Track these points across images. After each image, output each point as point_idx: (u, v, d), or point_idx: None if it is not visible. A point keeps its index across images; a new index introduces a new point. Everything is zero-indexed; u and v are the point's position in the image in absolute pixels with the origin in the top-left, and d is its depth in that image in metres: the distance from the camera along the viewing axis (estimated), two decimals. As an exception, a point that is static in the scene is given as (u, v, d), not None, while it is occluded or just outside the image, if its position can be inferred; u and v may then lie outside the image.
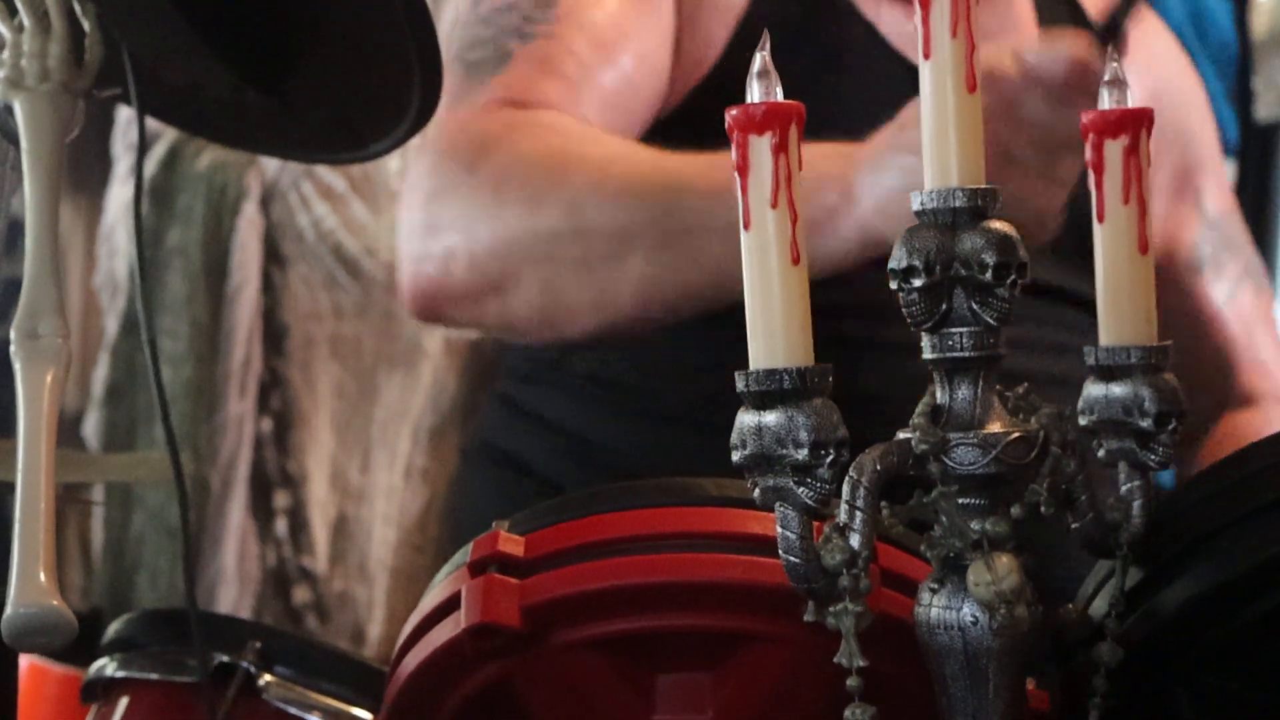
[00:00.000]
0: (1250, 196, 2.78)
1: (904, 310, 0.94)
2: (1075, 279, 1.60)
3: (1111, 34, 1.64)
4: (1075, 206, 1.36)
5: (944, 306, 0.94)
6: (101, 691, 1.40)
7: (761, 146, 0.92)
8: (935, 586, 0.95)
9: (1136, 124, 1.00)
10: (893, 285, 0.94)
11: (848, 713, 0.93)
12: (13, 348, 1.11)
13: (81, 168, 2.49)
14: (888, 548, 1.01)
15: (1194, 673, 1.02)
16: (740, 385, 0.92)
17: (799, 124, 0.92)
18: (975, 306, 0.94)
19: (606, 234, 1.48)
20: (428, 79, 1.19)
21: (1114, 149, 1.00)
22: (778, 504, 0.93)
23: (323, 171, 2.43)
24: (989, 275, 0.93)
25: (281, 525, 2.43)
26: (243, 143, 1.72)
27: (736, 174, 0.92)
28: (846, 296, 1.40)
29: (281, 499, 2.44)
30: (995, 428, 0.94)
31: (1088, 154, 1.00)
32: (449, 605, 1.06)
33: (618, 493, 1.10)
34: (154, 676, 1.37)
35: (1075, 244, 1.32)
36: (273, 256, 2.44)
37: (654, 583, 1.03)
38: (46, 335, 1.11)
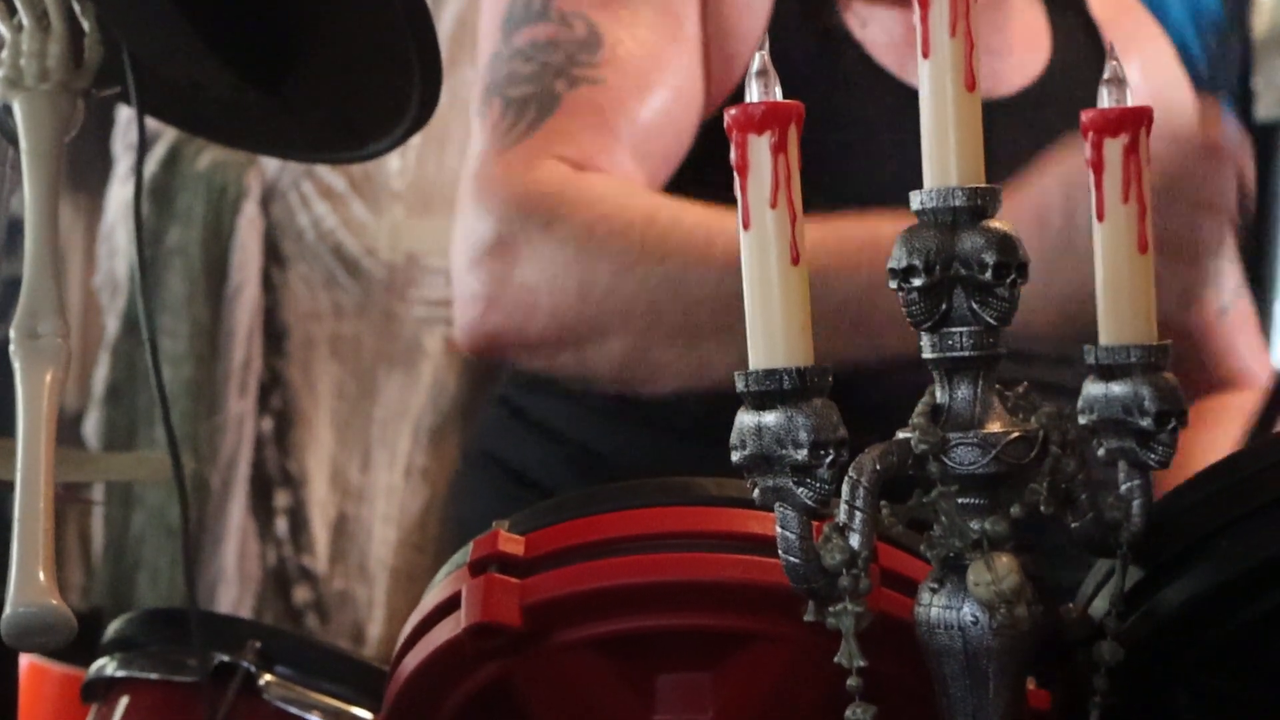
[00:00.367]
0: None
1: (904, 310, 0.94)
2: None
3: None
4: None
5: (944, 306, 0.94)
6: (102, 691, 1.40)
7: (761, 146, 0.92)
8: (935, 586, 0.95)
9: (1136, 122, 1.00)
10: (892, 285, 0.94)
11: (849, 713, 0.93)
12: (12, 347, 1.11)
13: (81, 167, 2.49)
14: (887, 547, 1.01)
15: (1194, 673, 1.02)
16: (740, 385, 0.92)
17: (798, 123, 0.92)
18: (975, 306, 0.93)
19: (713, 305, 1.48)
20: (427, 79, 1.19)
21: (1114, 148, 1.00)
22: (777, 504, 0.93)
23: (323, 171, 2.44)
24: (989, 275, 0.93)
25: (282, 525, 2.43)
26: (243, 143, 1.72)
27: (736, 173, 0.92)
28: None
29: (282, 498, 2.44)
30: (995, 427, 0.94)
31: (1087, 153, 1.00)
32: (449, 605, 1.06)
33: (618, 492, 1.09)
34: (154, 676, 1.37)
35: None
36: (273, 256, 2.45)
37: (654, 582, 1.03)
38: (46, 335, 1.11)
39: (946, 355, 0.94)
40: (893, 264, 0.94)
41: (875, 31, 1.72)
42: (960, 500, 0.95)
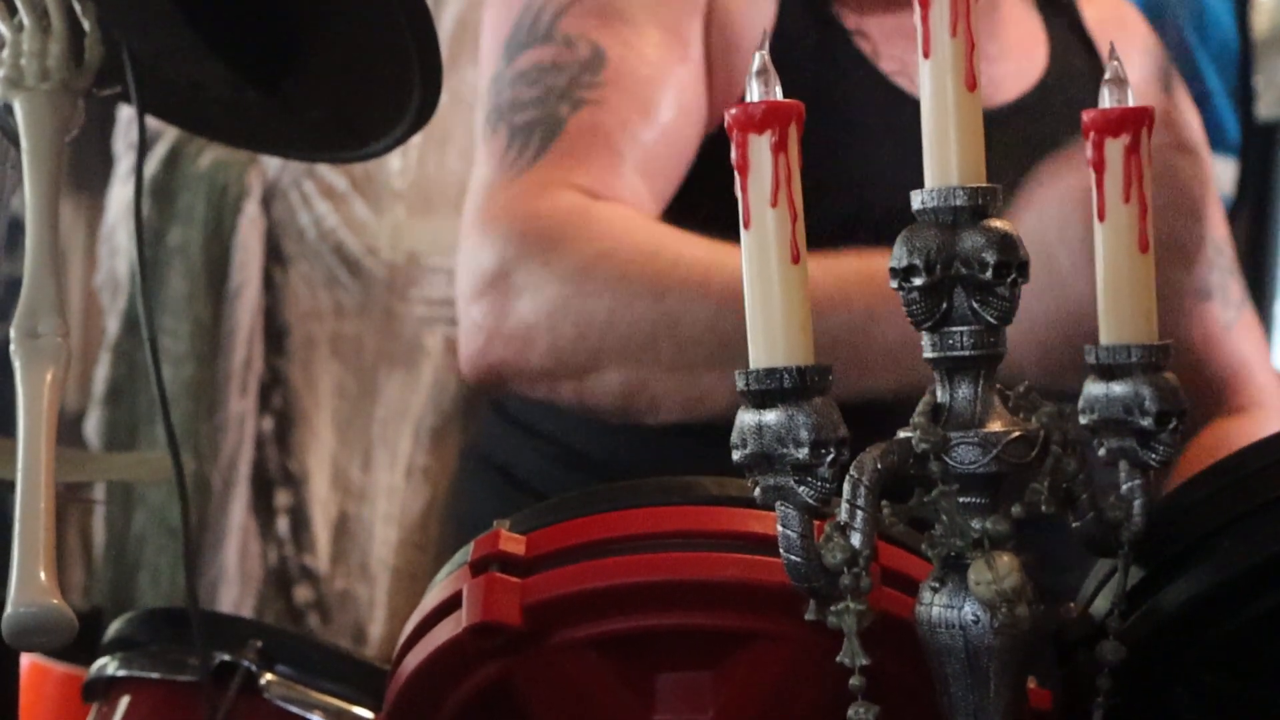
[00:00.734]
0: (1250, 196, 2.78)
1: (905, 309, 0.94)
2: None
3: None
4: None
5: (944, 305, 0.94)
6: (103, 690, 1.40)
7: (761, 145, 0.92)
8: (936, 585, 0.95)
9: (1137, 122, 1.00)
10: (893, 284, 0.94)
11: (851, 712, 0.93)
12: (12, 347, 1.11)
13: (82, 167, 2.49)
14: (889, 546, 1.01)
15: (1194, 672, 1.02)
16: (740, 384, 0.92)
17: (798, 123, 0.92)
18: (976, 305, 0.93)
19: (709, 340, 1.49)
20: (428, 79, 1.19)
21: (1114, 148, 1.00)
22: (778, 503, 0.93)
23: (324, 170, 2.44)
24: (989, 274, 0.93)
25: (283, 524, 2.43)
26: (243, 142, 1.72)
27: (736, 172, 0.92)
28: None
29: (283, 498, 2.44)
30: (996, 427, 0.94)
31: (1088, 153, 1.00)
32: (450, 604, 1.06)
33: (619, 492, 1.10)
34: (155, 675, 1.37)
35: None
36: (274, 255, 2.45)
37: (655, 581, 1.03)
38: (46, 334, 1.11)
39: (947, 354, 0.94)
40: (893, 263, 0.94)
41: (881, 45, 1.72)
42: (961, 499, 0.95)
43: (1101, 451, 1.01)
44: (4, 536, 1.06)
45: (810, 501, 0.92)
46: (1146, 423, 0.99)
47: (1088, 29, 1.86)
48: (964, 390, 0.95)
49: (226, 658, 1.33)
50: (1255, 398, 1.85)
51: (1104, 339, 1.00)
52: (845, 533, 0.93)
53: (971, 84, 0.93)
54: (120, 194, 2.48)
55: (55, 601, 1.03)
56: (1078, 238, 1.40)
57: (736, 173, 0.92)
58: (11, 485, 1.07)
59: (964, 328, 0.94)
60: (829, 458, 0.91)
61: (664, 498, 1.07)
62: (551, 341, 1.55)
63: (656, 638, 1.04)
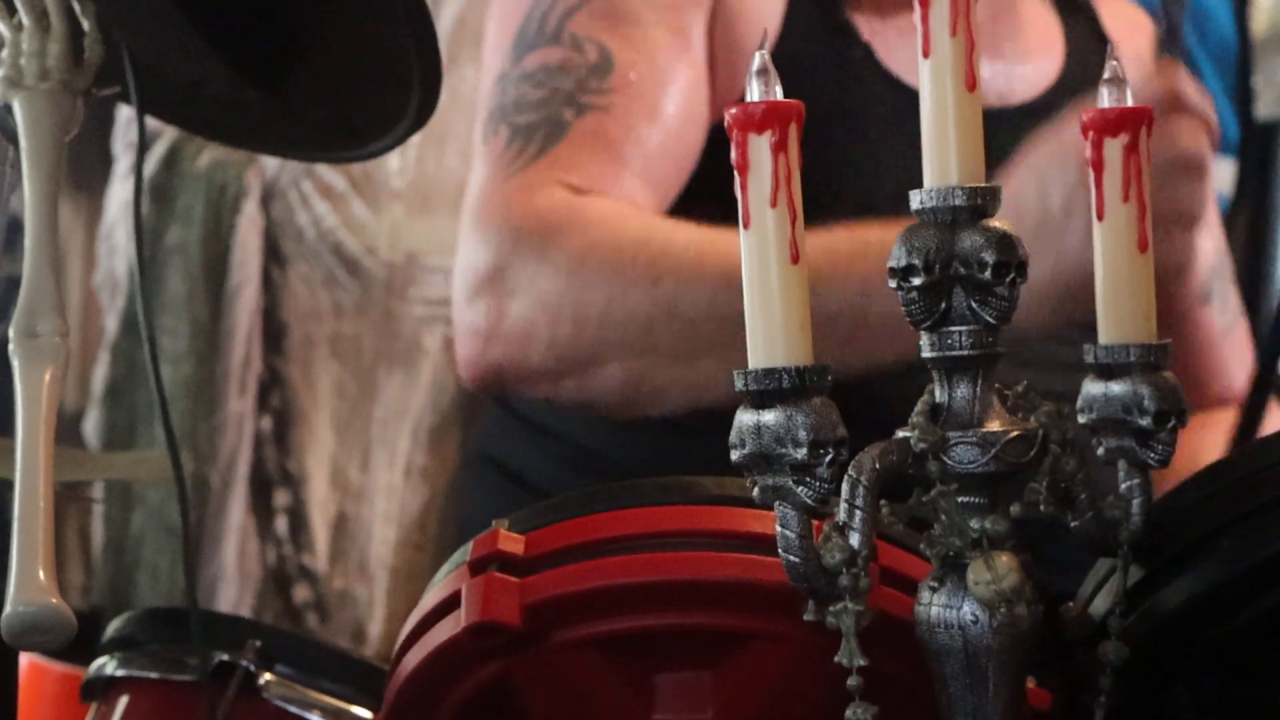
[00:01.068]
0: (1250, 196, 2.78)
1: (903, 309, 0.94)
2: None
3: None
4: None
5: (943, 305, 0.94)
6: (101, 690, 1.40)
7: (761, 145, 0.92)
8: (935, 585, 0.95)
9: (1136, 122, 1.00)
10: (892, 284, 0.94)
11: (849, 712, 0.93)
12: (11, 346, 1.11)
13: (82, 166, 2.49)
14: (887, 546, 1.01)
15: (1194, 672, 1.02)
16: (739, 384, 0.92)
17: (798, 122, 0.92)
18: (974, 305, 0.94)
19: (708, 325, 1.49)
20: (427, 78, 1.19)
21: (1114, 147, 1.00)
22: (777, 503, 0.93)
23: (323, 170, 2.43)
24: (988, 274, 0.93)
25: (282, 524, 2.43)
26: (243, 141, 1.72)
27: (736, 172, 0.92)
28: None
29: (281, 497, 2.44)
30: (994, 426, 0.94)
31: (1087, 152, 1.00)
32: (449, 604, 1.06)
33: (618, 491, 1.10)
34: (154, 675, 1.37)
35: None
36: (273, 255, 2.44)
37: (654, 581, 1.03)
38: (45, 334, 1.11)
39: (946, 354, 0.94)
40: (892, 263, 0.94)
41: (890, 44, 1.72)
42: (960, 499, 0.95)
43: (1100, 451, 1.01)
44: (3, 536, 1.06)
45: (809, 501, 0.92)
46: (1145, 422, 0.99)
47: (1105, 30, 1.86)
48: (963, 390, 0.95)
49: (225, 657, 1.33)
50: (1235, 400, 1.87)
51: (1103, 338, 1.00)
52: (844, 533, 0.93)
53: (971, 84, 0.93)
54: (119, 193, 2.48)
55: (54, 601, 1.03)
56: (1070, 192, 1.41)
57: (736, 172, 0.92)
58: (10, 484, 1.06)
59: (963, 327, 0.94)
60: (828, 458, 0.91)
61: (663, 497, 1.07)
62: (550, 338, 1.54)
63: (656, 637, 1.04)
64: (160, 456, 2.00)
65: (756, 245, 0.92)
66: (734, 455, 0.93)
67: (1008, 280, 0.93)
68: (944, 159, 0.94)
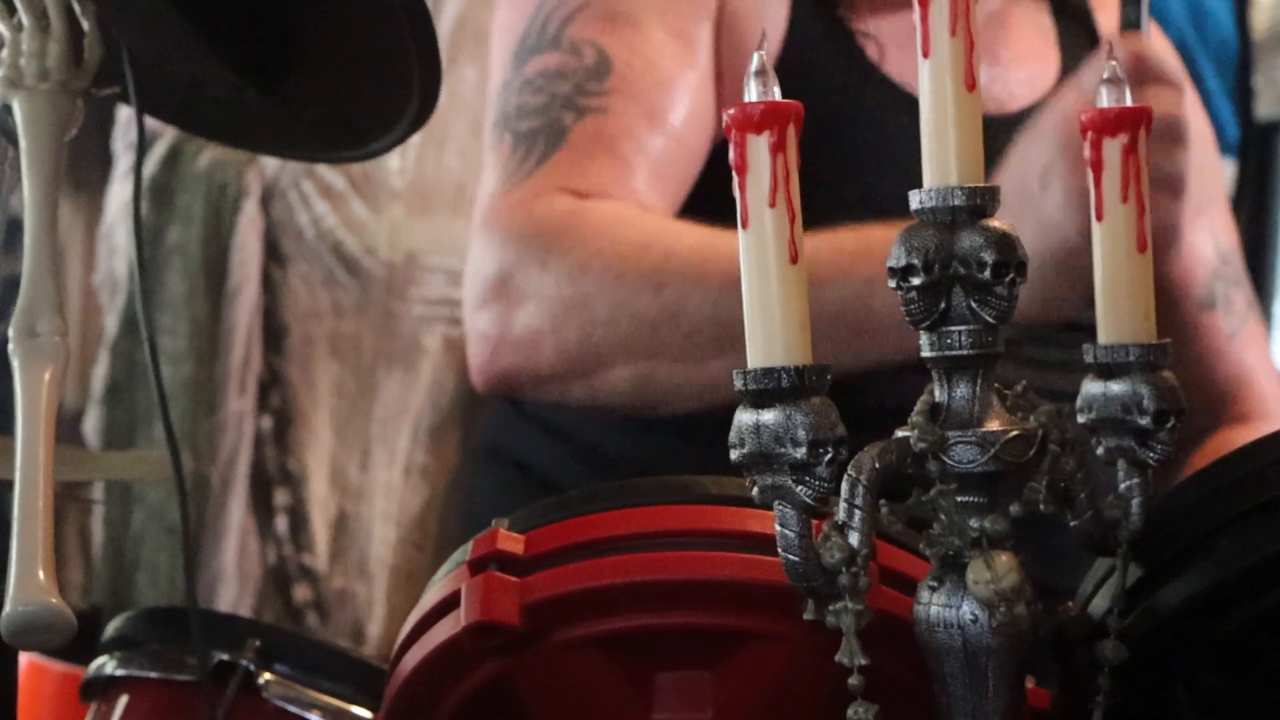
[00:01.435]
0: (1250, 196, 2.78)
1: (903, 309, 0.94)
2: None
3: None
4: None
5: (943, 305, 0.94)
6: (101, 690, 1.40)
7: (759, 145, 0.92)
8: (935, 584, 0.95)
9: (1135, 122, 1.00)
10: (891, 284, 0.94)
11: (851, 711, 0.93)
12: (11, 345, 1.11)
13: (81, 166, 2.49)
14: (887, 546, 1.01)
15: (1194, 671, 1.02)
16: (738, 384, 0.92)
17: (797, 123, 0.92)
18: (974, 305, 0.94)
19: (712, 326, 1.51)
20: (427, 78, 1.19)
21: (1112, 147, 1.00)
22: (776, 502, 0.93)
23: (322, 170, 2.43)
24: (988, 274, 0.93)
25: (281, 523, 2.43)
26: (242, 141, 1.72)
27: (734, 172, 0.92)
28: None
29: (281, 497, 2.44)
30: (994, 426, 0.94)
31: (1086, 152, 1.00)
32: (449, 603, 1.06)
33: (617, 491, 1.10)
34: (154, 675, 1.37)
35: None
36: (272, 255, 2.44)
37: (654, 581, 1.03)
38: (45, 333, 1.11)
39: (945, 354, 0.94)
40: (892, 263, 0.94)
41: (892, 48, 1.72)
42: (959, 498, 0.95)
43: (1100, 451, 1.01)
44: (3, 535, 1.06)
45: (808, 501, 0.92)
46: (1145, 422, 0.99)
47: (1099, 30, 1.86)
48: (962, 389, 0.95)
49: (225, 657, 1.33)
50: (1258, 407, 1.85)
51: (1102, 338, 1.00)
52: (843, 532, 0.93)
53: (971, 84, 0.93)
54: (119, 193, 2.48)
55: (54, 600, 1.03)
56: (1054, 171, 1.42)
57: (735, 173, 0.92)
58: (10, 484, 1.07)
59: (962, 327, 0.94)
60: (827, 457, 0.91)
61: (663, 497, 1.07)
62: (557, 344, 1.56)
63: (655, 637, 1.04)
64: (160, 456, 2.00)
65: (755, 245, 0.92)
66: (733, 455, 0.93)
67: (1007, 280, 0.93)
68: (943, 159, 0.94)
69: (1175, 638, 1.01)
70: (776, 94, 0.92)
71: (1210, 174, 1.92)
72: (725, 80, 1.67)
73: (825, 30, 1.70)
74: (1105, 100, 1.01)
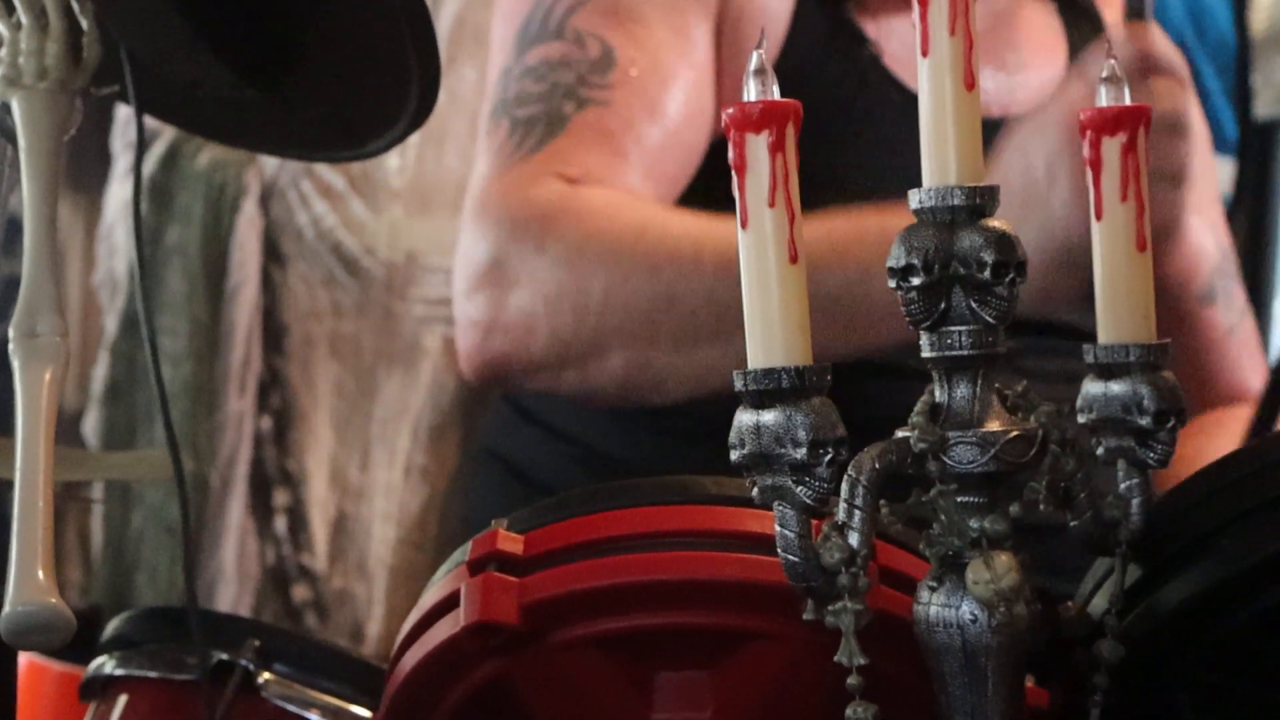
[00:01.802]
0: (1249, 195, 2.78)
1: (903, 309, 0.94)
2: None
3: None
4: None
5: (943, 305, 0.94)
6: (100, 689, 1.40)
7: (759, 145, 0.92)
8: (934, 584, 0.95)
9: (1134, 121, 1.00)
10: (891, 284, 0.94)
11: (849, 711, 0.93)
12: (11, 346, 1.11)
13: (80, 166, 2.49)
14: (887, 546, 1.01)
15: (1194, 671, 1.02)
16: (738, 384, 0.92)
17: (796, 122, 0.92)
18: (974, 305, 0.94)
19: (708, 312, 1.50)
20: (426, 77, 1.19)
21: (1112, 146, 1.00)
22: (776, 503, 0.93)
23: (322, 170, 2.43)
24: (988, 274, 0.93)
25: (281, 523, 2.43)
26: (241, 141, 1.72)
27: (734, 172, 0.92)
28: None
29: (281, 497, 2.44)
30: (994, 426, 0.94)
31: (1085, 151, 1.00)
32: (448, 603, 1.06)
33: (617, 491, 1.10)
34: (153, 674, 1.37)
35: None
36: (272, 255, 2.44)
37: (653, 581, 1.03)
38: (45, 334, 1.11)
39: (945, 354, 0.94)
40: (891, 263, 0.94)
41: (895, 45, 1.72)
42: (959, 499, 0.95)
43: (1100, 451, 1.01)
44: (3, 535, 1.06)
45: (808, 501, 0.92)
46: (1145, 422, 0.99)
47: (1106, 28, 1.86)
48: (962, 390, 0.95)
49: (224, 656, 1.33)
50: (1235, 396, 1.87)
51: (1102, 338, 1.00)
52: (843, 532, 0.93)
53: (970, 83, 0.93)
54: (118, 193, 2.48)
55: (53, 600, 1.03)
56: (1060, 165, 1.42)
57: (734, 172, 0.92)
58: (10, 484, 1.06)
59: (962, 327, 0.94)
60: (827, 458, 0.91)
61: (663, 497, 1.07)
62: (551, 329, 1.55)
63: (655, 637, 1.04)
64: (160, 456, 2.00)
65: (755, 245, 0.92)
66: (733, 455, 0.93)
67: (1007, 280, 0.93)
68: (943, 158, 0.94)
69: (1175, 637, 1.01)
70: (775, 93, 0.92)
71: (1206, 172, 1.92)
72: (725, 78, 1.67)
73: (831, 29, 1.70)
74: (1104, 99, 1.01)
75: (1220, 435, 1.73)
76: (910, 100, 1.69)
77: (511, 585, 1.03)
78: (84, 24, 1.17)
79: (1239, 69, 2.78)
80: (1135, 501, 1.01)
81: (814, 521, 0.93)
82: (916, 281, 0.93)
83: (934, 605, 0.95)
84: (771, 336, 0.92)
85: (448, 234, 2.39)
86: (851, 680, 0.92)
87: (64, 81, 1.15)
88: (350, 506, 2.46)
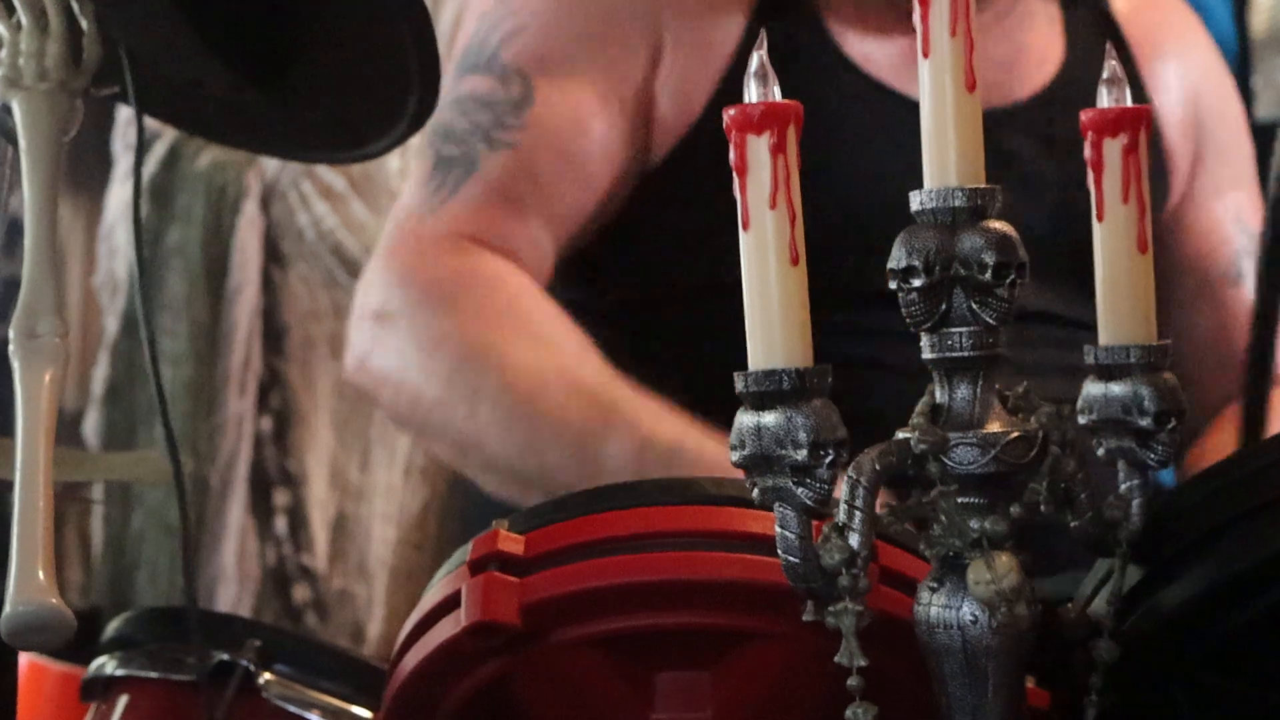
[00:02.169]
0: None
1: (903, 310, 0.94)
2: (1064, 302, 1.62)
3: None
4: (1067, 228, 1.38)
5: (943, 306, 0.94)
6: (101, 690, 1.40)
7: (759, 146, 0.92)
8: (935, 585, 0.95)
9: (1135, 122, 1.00)
10: (892, 285, 0.94)
11: (849, 712, 0.93)
12: (11, 347, 1.11)
13: (81, 167, 2.49)
14: (887, 547, 1.01)
15: (1193, 672, 1.02)
16: (739, 386, 0.92)
17: (797, 123, 0.92)
18: (975, 306, 0.94)
19: (503, 471, 1.60)
20: (426, 78, 1.19)
21: (1113, 148, 1.00)
22: (777, 504, 0.93)
23: (322, 171, 2.43)
24: (988, 275, 0.93)
25: (281, 524, 2.43)
26: (242, 142, 1.72)
27: (735, 174, 0.92)
28: (849, 317, 1.42)
29: (281, 497, 2.44)
30: (995, 427, 0.94)
31: (1086, 152, 1.00)
32: (449, 603, 1.06)
33: (617, 491, 1.10)
34: (153, 675, 1.37)
35: (1066, 266, 1.34)
36: (272, 256, 2.45)
37: (653, 581, 1.03)
38: (45, 334, 1.11)
39: (946, 355, 0.94)
40: (892, 264, 0.94)
41: (869, 48, 1.72)
42: (960, 500, 0.95)
43: (1100, 452, 1.01)
44: (3, 536, 1.06)
45: (809, 503, 0.92)
46: (1145, 423, 0.99)
47: (1117, 20, 1.85)
48: (963, 391, 0.95)
49: (225, 657, 1.33)
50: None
51: (1103, 339, 1.00)
52: (843, 533, 0.93)
53: (971, 84, 0.93)
54: (119, 194, 2.48)
55: (54, 601, 1.03)
56: None
57: (735, 174, 0.92)
58: (10, 485, 1.06)
59: (963, 329, 0.94)
60: (827, 459, 0.91)
61: (663, 497, 1.07)
62: (393, 396, 1.66)
63: (655, 637, 1.04)
64: (160, 457, 2.00)
65: (755, 247, 0.92)
66: (734, 456, 0.93)
67: (1008, 281, 0.93)
68: (944, 160, 0.94)
69: (1175, 638, 1.01)
70: (776, 95, 0.92)
71: (1235, 155, 1.91)
72: (658, 108, 1.68)
73: (786, 41, 1.70)
74: (1105, 100, 1.01)
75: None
76: (871, 110, 1.69)
77: (512, 585, 1.03)
78: (84, 25, 1.17)
79: (1239, 70, 2.78)
80: (1135, 502, 1.01)
81: (814, 523, 0.93)
82: (917, 283, 0.93)
83: (934, 606, 0.95)
84: (772, 338, 0.92)
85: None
86: (852, 681, 0.92)
87: (64, 82, 1.15)
88: (350, 507, 2.46)
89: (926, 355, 0.95)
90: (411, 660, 1.08)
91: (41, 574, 1.04)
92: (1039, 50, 1.79)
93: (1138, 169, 0.99)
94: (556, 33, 1.70)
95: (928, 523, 0.96)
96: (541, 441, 1.57)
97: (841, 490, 0.93)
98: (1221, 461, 1.04)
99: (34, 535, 1.04)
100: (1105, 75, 1.01)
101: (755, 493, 0.93)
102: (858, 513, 0.92)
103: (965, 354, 0.94)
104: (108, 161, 2.49)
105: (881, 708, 0.93)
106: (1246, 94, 2.77)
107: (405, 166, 2.45)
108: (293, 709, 1.33)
